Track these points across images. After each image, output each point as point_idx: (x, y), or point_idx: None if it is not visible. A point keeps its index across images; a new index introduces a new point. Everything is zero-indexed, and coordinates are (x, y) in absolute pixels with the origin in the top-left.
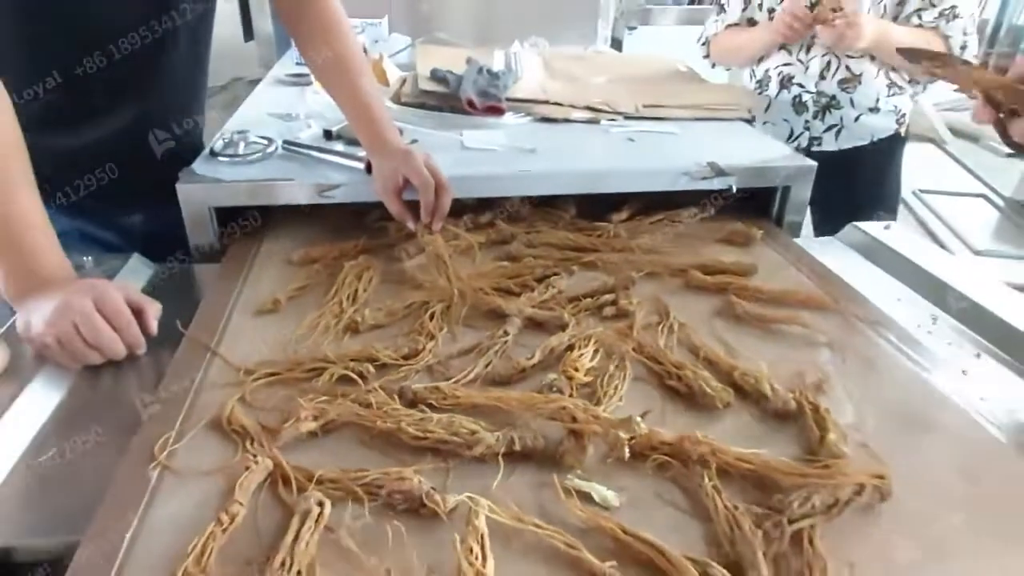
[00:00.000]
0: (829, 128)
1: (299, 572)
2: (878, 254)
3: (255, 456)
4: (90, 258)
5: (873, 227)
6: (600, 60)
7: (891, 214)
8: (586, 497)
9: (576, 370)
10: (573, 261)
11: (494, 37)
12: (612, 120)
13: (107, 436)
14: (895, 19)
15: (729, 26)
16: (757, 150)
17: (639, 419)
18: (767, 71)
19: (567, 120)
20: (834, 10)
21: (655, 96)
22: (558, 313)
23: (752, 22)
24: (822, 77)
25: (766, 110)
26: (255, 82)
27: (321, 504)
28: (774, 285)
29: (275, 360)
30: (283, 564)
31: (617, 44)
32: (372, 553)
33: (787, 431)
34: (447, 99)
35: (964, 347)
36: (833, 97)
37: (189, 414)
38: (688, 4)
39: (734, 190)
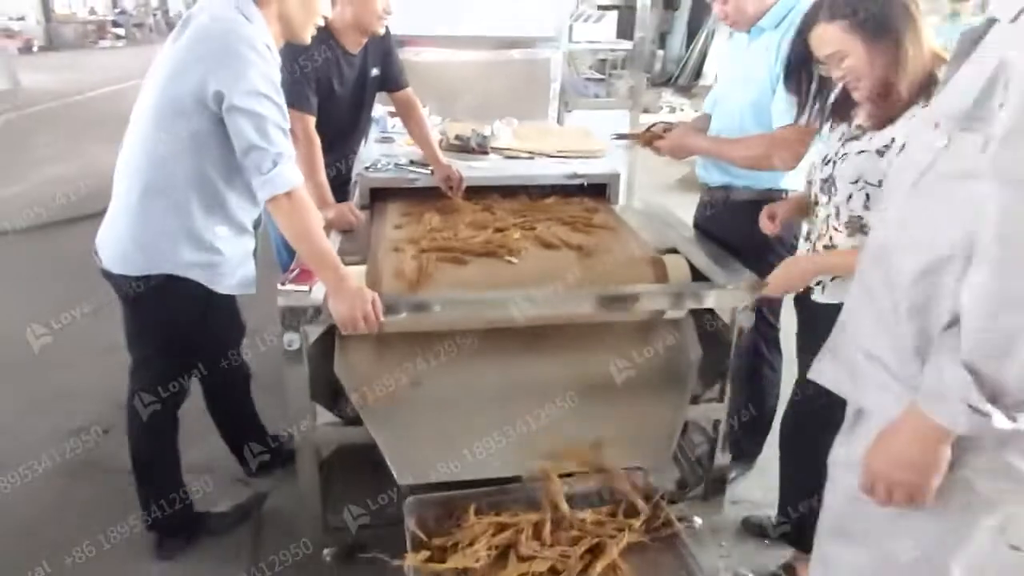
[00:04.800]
0: None
1: (428, 273)
2: (646, 212)
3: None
4: None
5: (646, 201)
6: (545, 127)
7: None
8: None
9: (511, 237)
10: (520, 214)
11: (487, 115)
12: (539, 156)
13: (357, 242)
14: None
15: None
16: (601, 168)
17: (526, 246)
18: None
19: (518, 157)
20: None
21: (563, 145)
22: (508, 226)
23: None
24: None
25: None
26: None
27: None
28: (596, 221)
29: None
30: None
31: (561, 121)
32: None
33: (575, 257)
34: (463, 147)
35: (664, 233)
36: None
37: (377, 247)
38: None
39: (585, 184)
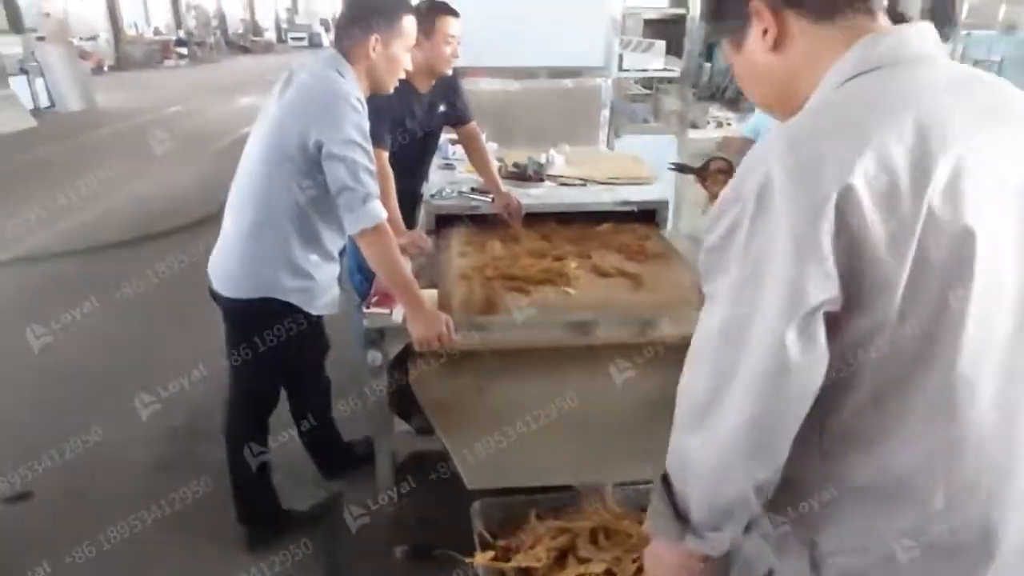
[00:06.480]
0: None
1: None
2: (694, 237)
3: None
4: None
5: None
6: (596, 154)
7: None
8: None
9: (568, 266)
10: (575, 242)
11: (539, 141)
12: (592, 183)
13: (426, 266)
14: None
15: None
16: (650, 195)
17: (582, 275)
18: None
19: (571, 184)
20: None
21: (614, 172)
22: (565, 255)
23: None
24: None
25: None
26: None
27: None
28: (647, 249)
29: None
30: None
31: (611, 146)
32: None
33: (629, 286)
34: (521, 175)
35: None
36: None
37: (445, 273)
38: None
39: (636, 210)
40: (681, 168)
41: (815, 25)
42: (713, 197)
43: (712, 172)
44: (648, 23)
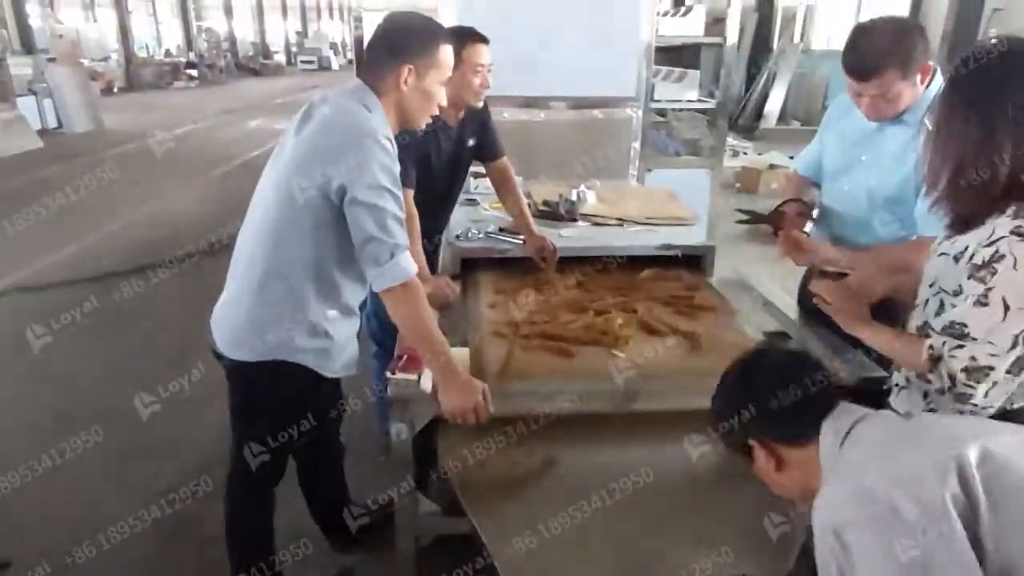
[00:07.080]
0: None
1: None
2: (741, 284)
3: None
4: None
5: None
6: (628, 189)
7: None
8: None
9: (612, 323)
10: (617, 292)
11: (566, 174)
12: (629, 224)
13: (451, 318)
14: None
15: None
16: (695, 238)
17: (630, 333)
18: None
19: (607, 224)
20: None
21: (651, 211)
22: (608, 308)
23: None
24: None
25: None
26: None
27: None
28: (697, 301)
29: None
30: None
31: (641, 180)
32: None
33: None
34: (552, 214)
35: (766, 311)
36: None
37: (476, 329)
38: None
39: (680, 255)
40: (753, 218)
41: (800, 448)
42: (787, 242)
43: (791, 217)
44: (660, 51)
